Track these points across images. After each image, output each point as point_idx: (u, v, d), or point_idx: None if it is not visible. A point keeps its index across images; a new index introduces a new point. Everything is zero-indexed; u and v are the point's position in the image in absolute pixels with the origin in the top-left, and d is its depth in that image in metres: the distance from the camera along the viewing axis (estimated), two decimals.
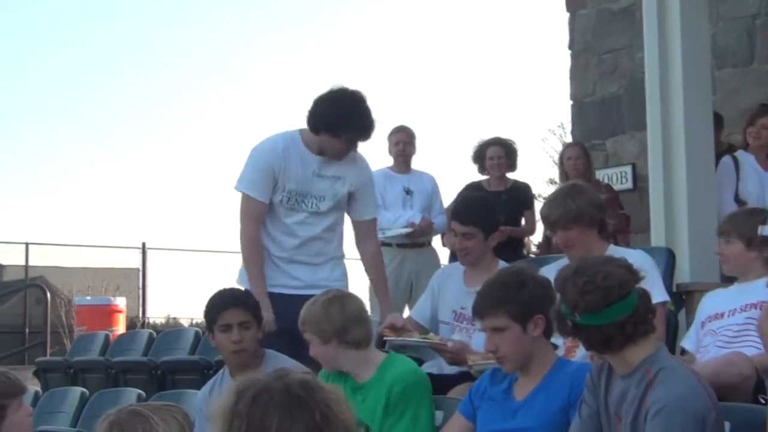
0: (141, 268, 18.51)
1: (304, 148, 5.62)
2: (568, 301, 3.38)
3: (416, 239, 7.54)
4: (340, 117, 5.46)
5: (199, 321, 8.59)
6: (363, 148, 5.81)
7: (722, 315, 4.61)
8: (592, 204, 4.97)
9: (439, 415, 4.50)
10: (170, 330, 9.67)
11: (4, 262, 20.70)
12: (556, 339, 4.18)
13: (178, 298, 23.94)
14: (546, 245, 7.89)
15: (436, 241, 8.08)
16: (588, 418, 3.57)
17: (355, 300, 4.68)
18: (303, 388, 2.43)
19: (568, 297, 3.38)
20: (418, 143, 8.12)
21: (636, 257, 4.35)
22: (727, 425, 3.35)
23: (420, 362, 5.23)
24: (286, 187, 5.57)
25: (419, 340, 5.40)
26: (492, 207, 5.49)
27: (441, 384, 4.97)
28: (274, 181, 5.56)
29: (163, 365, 7.72)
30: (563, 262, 4.58)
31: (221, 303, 4.92)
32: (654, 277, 4.77)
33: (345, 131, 5.50)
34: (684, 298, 5.82)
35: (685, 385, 3.29)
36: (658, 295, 4.47)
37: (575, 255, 4.61)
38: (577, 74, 10.67)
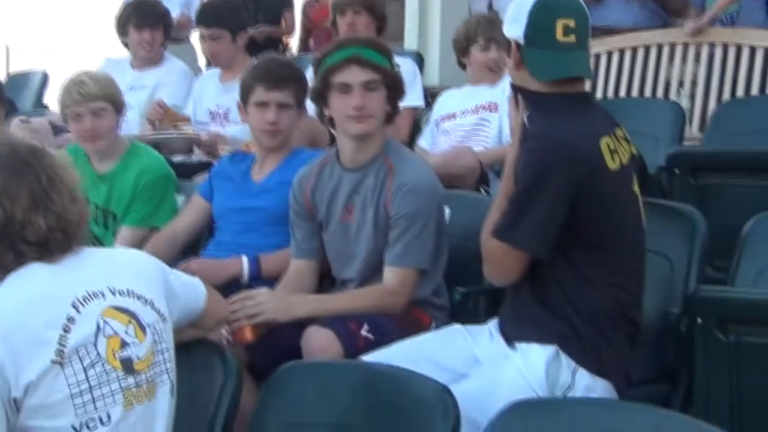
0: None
1: None
2: None
3: (176, 34, 7.40)
4: None
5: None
6: None
7: (455, 116, 4.87)
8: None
9: (180, 199, 4.50)
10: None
11: None
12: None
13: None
14: (304, 45, 7.97)
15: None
16: (303, 218, 3.64)
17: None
18: (30, 153, 2.46)
19: None
20: None
21: (404, 62, 4.44)
22: (447, 211, 3.53)
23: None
24: None
25: (173, 133, 5.41)
26: (238, 6, 5.30)
27: (185, 171, 4.99)
28: None
29: None
30: None
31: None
32: (416, 83, 5.02)
33: None
34: (431, 100, 5.74)
35: (425, 169, 3.53)
36: (414, 99, 4.60)
37: None
38: None
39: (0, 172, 2.42)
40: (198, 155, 5.37)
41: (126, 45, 6.02)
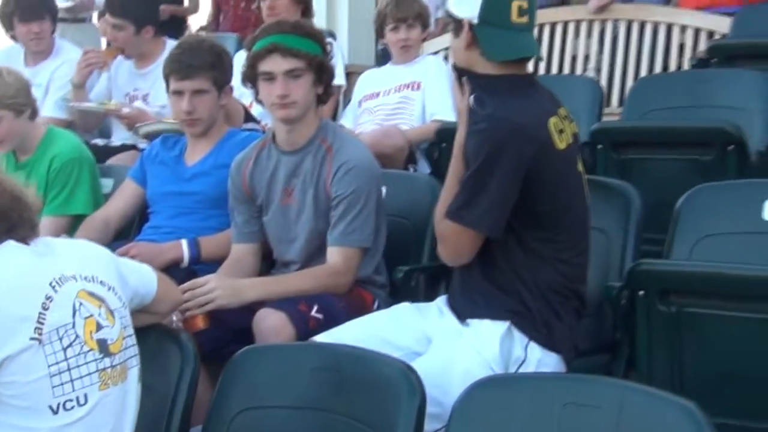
0: None
1: None
2: None
3: (77, 14, 7.27)
4: None
5: None
6: None
7: (378, 94, 4.89)
8: None
9: (107, 182, 4.48)
10: None
11: None
12: None
13: None
14: (215, 24, 7.85)
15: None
16: (243, 202, 3.64)
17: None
18: None
19: None
20: None
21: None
22: (384, 189, 3.57)
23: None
24: None
25: (95, 106, 5.30)
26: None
27: (107, 154, 4.99)
28: None
29: None
30: None
31: None
32: (338, 62, 4.99)
33: None
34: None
35: (363, 149, 3.55)
36: (337, 78, 4.50)
37: None
38: None
39: None
40: (119, 137, 5.32)
41: (14, 38, 5.77)
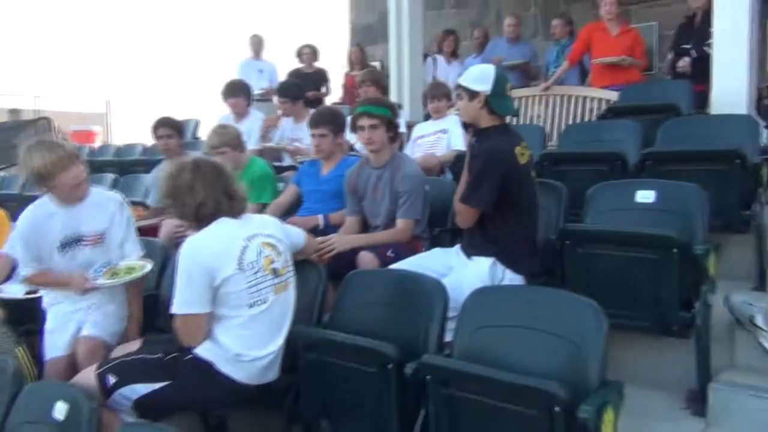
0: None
1: None
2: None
3: (265, 97, 7.26)
4: None
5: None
6: None
7: (423, 136, 4.84)
8: None
9: (281, 185, 4.40)
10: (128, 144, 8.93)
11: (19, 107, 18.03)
12: None
13: None
14: (343, 99, 7.79)
15: None
16: (352, 194, 3.57)
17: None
18: (208, 165, 2.53)
19: None
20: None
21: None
22: (427, 187, 3.50)
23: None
24: None
25: (274, 145, 5.34)
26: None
27: (281, 170, 4.89)
28: None
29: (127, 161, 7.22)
30: None
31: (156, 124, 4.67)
32: (403, 120, 4.91)
33: None
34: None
35: (416, 166, 3.52)
36: (402, 128, 4.44)
37: None
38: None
39: (194, 175, 2.46)
40: (286, 162, 5.31)
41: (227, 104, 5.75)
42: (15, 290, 3.25)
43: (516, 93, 5.93)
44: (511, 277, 2.82)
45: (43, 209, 2.91)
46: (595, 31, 5.70)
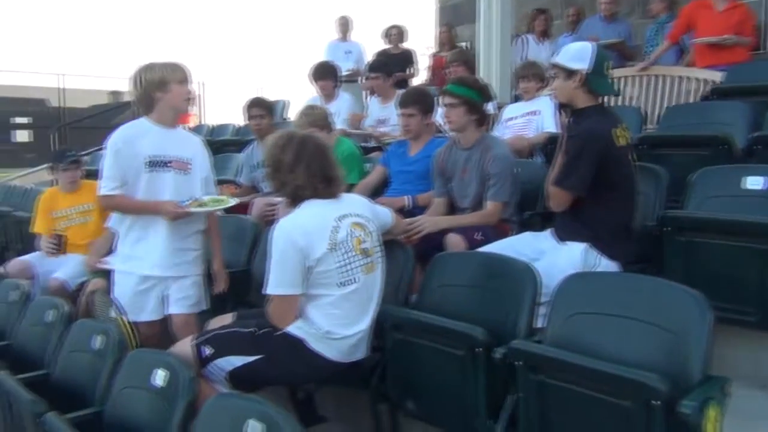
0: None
1: None
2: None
3: (351, 78, 7.39)
4: None
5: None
6: None
7: (514, 118, 4.73)
8: None
9: (367, 165, 4.41)
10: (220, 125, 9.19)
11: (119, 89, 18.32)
12: None
13: None
14: (429, 81, 7.69)
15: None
16: (439, 175, 3.54)
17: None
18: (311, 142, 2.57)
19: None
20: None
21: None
22: (517, 169, 3.43)
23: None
24: None
25: (359, 132, 5.35)
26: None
27: (367, 151, 4.96)
28: None
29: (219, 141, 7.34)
30: None
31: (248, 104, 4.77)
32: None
33: None
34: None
35: (506, 147, 3.46)
36: (490, 109, 4.34)
37: None
38: None
39: (297, 156, 2.47)
40: (371, 143, 5.32)
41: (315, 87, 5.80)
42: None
43: (615, 73, 5.68)
44: (606, 264, 2.72)
45: (137, 127, 3.00)
46: (700, 7, 5.37)
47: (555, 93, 2.96)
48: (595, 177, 2.67)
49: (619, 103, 5.77)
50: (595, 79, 2.74)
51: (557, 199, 2.79)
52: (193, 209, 2.93)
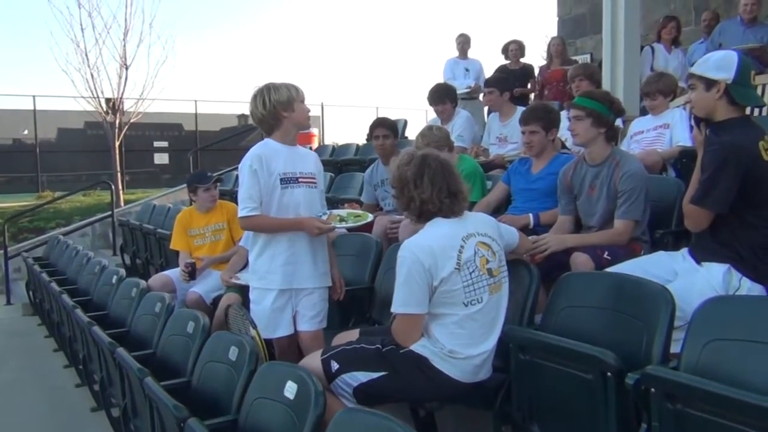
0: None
1: None
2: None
3: (472, 95, 7.42)
4: None
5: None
6: None
7: (642, 132, 4.56)
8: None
9: (488, 183, 4.44)
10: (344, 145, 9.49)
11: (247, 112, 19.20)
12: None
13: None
14: (540, 96, 7.62)
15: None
16: (566, 193, 3.48)
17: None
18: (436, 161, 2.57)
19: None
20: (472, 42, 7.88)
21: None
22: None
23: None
24: None
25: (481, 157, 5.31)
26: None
27: (487, 168, 4.93)
28: None
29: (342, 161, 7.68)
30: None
31: (373, 125, 4.87)
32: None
33: None
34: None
35: (638, 162, 3.32)
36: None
37: None
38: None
39: (419, 170, 2.51)
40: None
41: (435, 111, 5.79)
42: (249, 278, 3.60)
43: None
44: (750, 287, 2.54)
45: (267, 146, 3.07)
46: None
47: (692, 105, 2.81)
48: (738, 192, 2.51)
49: (764, 113, 5.40)
50: (738, 89, 2.59)
51: (695, 218, 2.64)
52: (336, 224, 2.97)
